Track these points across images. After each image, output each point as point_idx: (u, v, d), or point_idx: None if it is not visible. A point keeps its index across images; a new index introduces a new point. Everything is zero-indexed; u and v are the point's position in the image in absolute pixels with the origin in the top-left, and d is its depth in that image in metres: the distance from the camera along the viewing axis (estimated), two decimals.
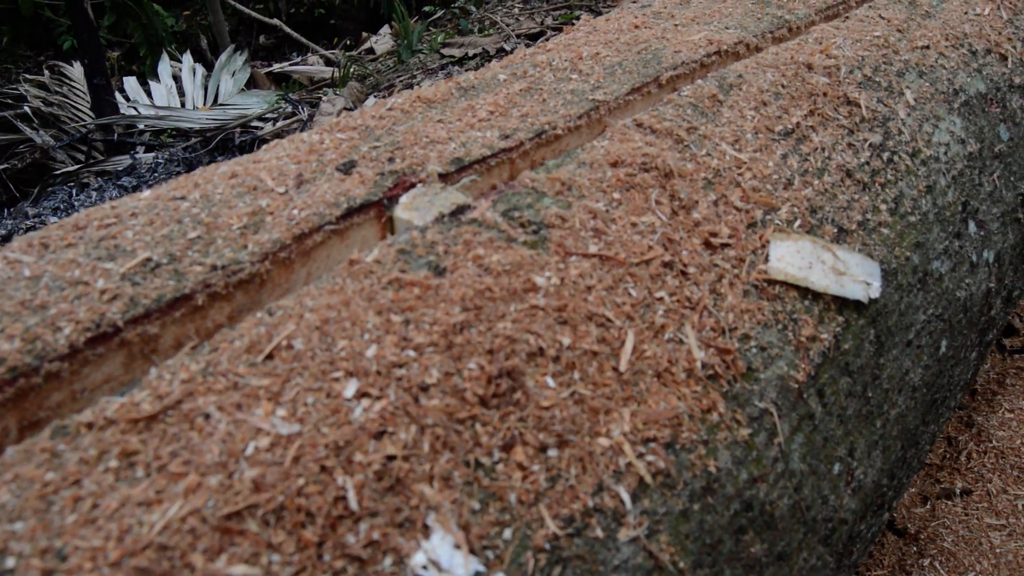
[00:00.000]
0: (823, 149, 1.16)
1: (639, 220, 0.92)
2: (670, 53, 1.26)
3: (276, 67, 5.15)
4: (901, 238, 1.18)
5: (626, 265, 0.87)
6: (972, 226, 1.40)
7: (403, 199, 0.91)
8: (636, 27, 1.39)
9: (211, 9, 4.79)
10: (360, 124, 1.07)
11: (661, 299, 0.87)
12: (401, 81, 4.38)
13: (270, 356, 0.70)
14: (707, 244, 0.95)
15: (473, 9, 5.35)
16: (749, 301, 0.93)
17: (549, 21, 4.81)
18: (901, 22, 1.51)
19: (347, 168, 0.94)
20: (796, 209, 1.05)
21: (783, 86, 1.21)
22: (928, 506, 2.21)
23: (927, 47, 1.49)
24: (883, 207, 1.18)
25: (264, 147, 1.06)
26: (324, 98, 4.21)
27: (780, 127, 1.14)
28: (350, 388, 0.68)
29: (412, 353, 0.72)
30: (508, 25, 4.92)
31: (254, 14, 5.43)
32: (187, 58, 4.99)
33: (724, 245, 0.96)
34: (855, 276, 1.05)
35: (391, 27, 5.05)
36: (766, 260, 0.98)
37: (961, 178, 1.38)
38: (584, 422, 0.74)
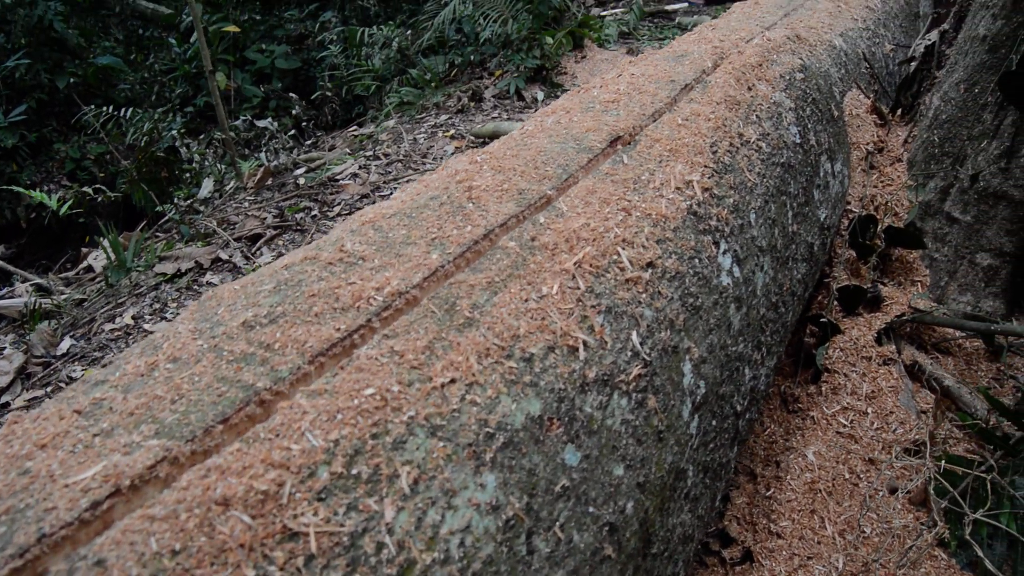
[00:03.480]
0: None
1: None
2: (33, 519, 0.92)
3: None
4: None
5: None
6: None
7: None
8: (42, 446, 1.05)
9: None
10: None
11: None
12: (103, 313, 3.92)
13: None
14: None
15: (201, 209, 5.00)
16: None
17: (270, 219, 4.51)
18: (419, 352, 1.25)
19: None
20: None
21: (175, 552, 0.90)
22: None
23: (452, 381, 1.23)
24: None
25: None
26: (3, 352, 3.69)
27: None
28: None
29: None
30: (233, 225, 4.59)
31: None
32: None
33: None
34: None
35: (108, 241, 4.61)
36: None
37: (490, 568, 1.10)
38: None
